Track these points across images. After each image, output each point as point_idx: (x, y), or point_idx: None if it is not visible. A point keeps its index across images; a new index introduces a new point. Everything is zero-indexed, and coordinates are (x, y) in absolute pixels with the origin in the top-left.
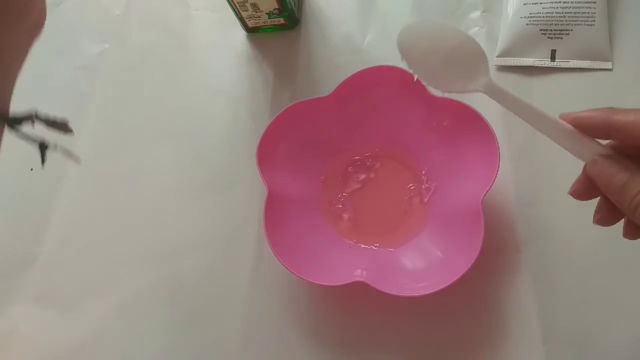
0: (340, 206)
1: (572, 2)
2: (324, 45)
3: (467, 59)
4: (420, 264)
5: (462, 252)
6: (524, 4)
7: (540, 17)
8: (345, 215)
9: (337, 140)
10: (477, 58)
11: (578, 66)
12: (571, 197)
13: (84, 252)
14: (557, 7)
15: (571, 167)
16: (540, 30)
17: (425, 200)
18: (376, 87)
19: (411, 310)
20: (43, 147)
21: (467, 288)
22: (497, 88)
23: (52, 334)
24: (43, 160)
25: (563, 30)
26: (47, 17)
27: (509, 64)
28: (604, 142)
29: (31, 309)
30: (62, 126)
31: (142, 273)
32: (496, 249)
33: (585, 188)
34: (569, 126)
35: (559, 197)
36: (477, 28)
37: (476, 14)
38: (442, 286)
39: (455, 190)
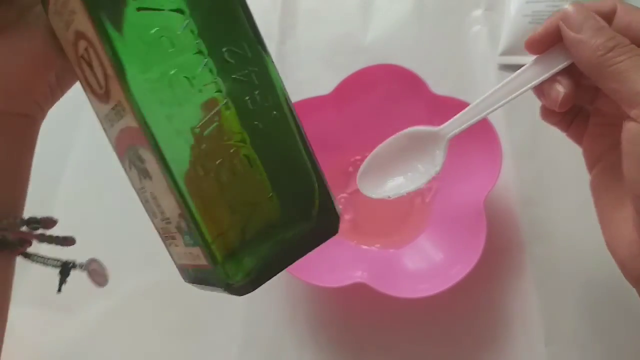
0: (341, 207)
1: None
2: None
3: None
4: (422, 265)
5: (464, 253)
6: (526, 2)
7: (543, 15)
8: (346, 216)
9: (337, 140)
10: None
11: None
12: (574, 197)
13: (83, 252)
14: (560, 6)
15: (574, 167)
16: None
17: (427, 200)
18: (377, 86)
19: (413, 312)
20: (65, 271)
21: (469, 289)
22: (451, 128)
23: (51, 335)
24: (60, 286)
25: None
26: None
27: (512, 62)
28: None
29: (30, 309)
30: (65, 241)
31: (142, 274)
32: (499, 249)
33: (542, 37)
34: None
35: (563, 196)
36: (479, 26)
37: (478, 12)
38: (444, 288)
39: (458, 190)
